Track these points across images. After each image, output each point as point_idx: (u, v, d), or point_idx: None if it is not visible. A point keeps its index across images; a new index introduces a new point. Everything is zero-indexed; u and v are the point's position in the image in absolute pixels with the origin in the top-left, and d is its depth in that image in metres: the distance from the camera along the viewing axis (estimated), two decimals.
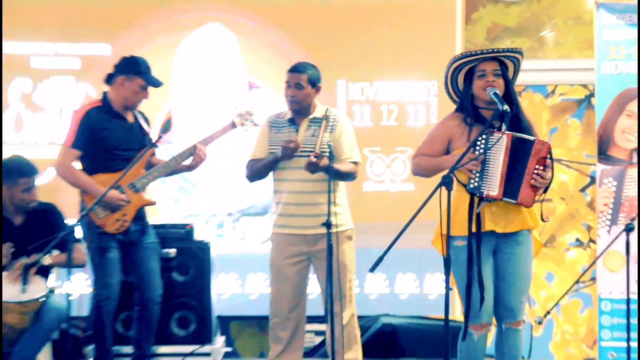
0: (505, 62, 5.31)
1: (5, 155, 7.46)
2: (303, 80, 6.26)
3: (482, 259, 5.18)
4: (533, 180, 5.13)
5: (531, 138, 5.18)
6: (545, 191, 5.23)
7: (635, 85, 7.26)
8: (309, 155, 6.07)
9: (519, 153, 5.15)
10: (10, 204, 6.13)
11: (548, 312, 6.29)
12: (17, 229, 6.12)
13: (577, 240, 8.03)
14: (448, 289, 4.86)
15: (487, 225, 5.18)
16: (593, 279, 7.66)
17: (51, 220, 6.18)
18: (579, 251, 8.02)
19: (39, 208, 6.20)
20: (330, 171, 6.05)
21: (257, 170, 6.33)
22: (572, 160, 7.96)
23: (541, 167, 5.14)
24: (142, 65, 6.40)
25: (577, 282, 6.95)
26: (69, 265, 5.67)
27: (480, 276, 5.16)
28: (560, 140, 8.01)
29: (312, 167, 6.05)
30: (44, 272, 6.09)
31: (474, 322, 5.22)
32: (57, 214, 6.27)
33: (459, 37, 7.76)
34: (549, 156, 5.18)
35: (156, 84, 6.44)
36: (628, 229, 6.03)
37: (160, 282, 6.51)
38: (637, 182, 7.10)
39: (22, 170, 6.13)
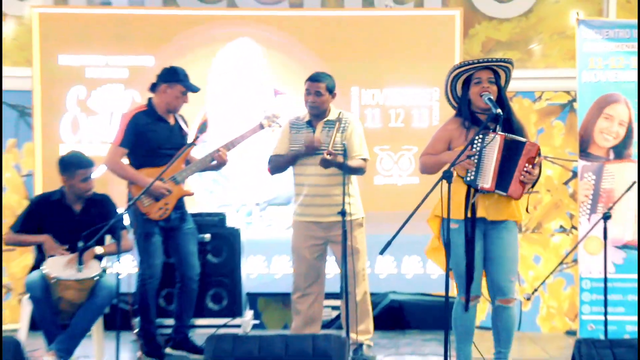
0: (498, 71, 5.29)
1: (63, 152, 7.57)
2: (322, 88, 6.28)
3: (468, 241, 5.20)
4: (522, 176, 5.13)
5: (523, 140, 5.18)
6: (533, 186, 5.23)
7: (611, 92, 7.25)
8: (323, 153, 6.08)
9: (512, 152, 5.16)
10: (70, 193, 6.14)
11: (535, 290, 6.27)
12: (76, 216, 6.13)
13: (561, 227, 8.01)
14: (448, 269, 4.89)
15: (479, 212, 5.21)
16: (575, 260, 7.64)
17: (105, 208, 6.19)
18: (563, 236, 8.00)
19: (95, 198, 6.21)
20: (344, 167, 6.06)
21: (279, 164, 6.37)
22: (556, 157, 7.93)
23: (530, 166, 5.13)
24: (181, 74, 6.40)
25: (560, 263, 6.93)
26: (119, 253, 5.69)
27: (472, 256, 5.15)
28: (546, 139, 7.98)
29: (325, 163, 6.08)
30: (98, 255, 6.08)
31: (464, 294, 5.23)
32: (110, 203, 6.28)
33: (457, 49, 7.75)
34: (537, 156, 5.16)
35: (194, 89, 6.43)
36: (605, 217, 6.03)
37: (197, 262, 6.53)
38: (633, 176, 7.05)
39: (80, 163, 6.13)
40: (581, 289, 7.29)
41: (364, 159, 6.38)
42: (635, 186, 6.48)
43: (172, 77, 6.38)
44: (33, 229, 6.11)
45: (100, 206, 6.19)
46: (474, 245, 5.18)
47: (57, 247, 6.00)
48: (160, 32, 7.84)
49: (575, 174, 7.79)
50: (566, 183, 8.00)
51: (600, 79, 7.29)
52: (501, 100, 5.24)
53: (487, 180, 5.16)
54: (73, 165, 6.11)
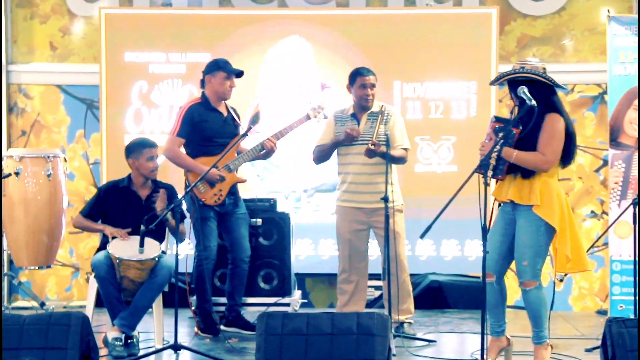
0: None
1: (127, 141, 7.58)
2: (374, 80, 6.26)
3: (496, 222, 5.18)
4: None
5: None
6: (500, 169, 5.06)
7: None
8: (367, 143, 6.05)
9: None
10: (137, 177, 6.09)
11: None
12: (142, 202, 6.08)
13: (592, 212, 7.85)
14: (485, 252, 4.77)
15: (501, 195, 5.15)
16: (606, 244, 7.48)
17: (169, 196, 6.11)
18: (594, 221, 7.85)
19: (161, 186, 6.16)
20: (387, 156, 6.00)
21: (322, 153, 6.36)
22: (588, 146, 7.81)
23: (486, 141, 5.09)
24: (220, 61, 6.39)
25: (592, 246, 6.75)
26: (176, 231, 5.65)
27: (485, 234, 5.03)
28: (578, 129, 7.67)
29: (370, 153, 6.04)
30: (159, 237, 6.03)
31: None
32: (174, 191, 6.21)
33: (494, 45, 7.58)
34: (492, 132, 5.06)
35: (234, 71, 6.38)
36: (635, 203, 5.90)
37: (248, 245, 6.50)
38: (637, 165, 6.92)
39: (145, 143, 6.12)
40: (611, 271, 7.16)
41: (405, 149, 6.32)
42: None
43: (213, 67, 6.36)
44: (100, 213, 6.11)
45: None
46: (484, 224, 5.04)
47: (117, 230, 5.96)
48: (216, 30, 7.78)
49: (605, 162, 7.65)
50: (597, 171, 7.83)
51: (630, 72, 7.13)
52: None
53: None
54: (139, 145, 6.09)
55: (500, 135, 4.99)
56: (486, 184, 4.88)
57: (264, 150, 6.32)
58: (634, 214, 5.86)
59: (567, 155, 5.19)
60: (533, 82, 5.08)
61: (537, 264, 5.10)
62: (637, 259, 5.76)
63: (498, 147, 4.99)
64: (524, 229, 5.09)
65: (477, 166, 4.78)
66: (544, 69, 5.15)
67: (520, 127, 5.03)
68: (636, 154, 7.08)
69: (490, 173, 5.00)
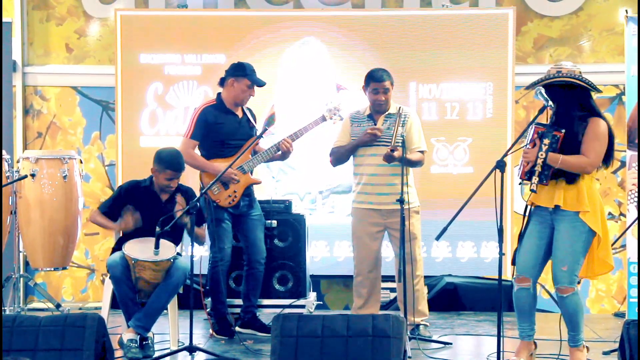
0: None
1: (145, 144, 7.64)
2: (388, 84, 6.24)
3: (530, 226, 5.13)
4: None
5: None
6: (543, 175, 4.98)
7: None
8: (384, 144, 6.05)
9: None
10: (156, 185, 6.07)
11: None
12: (162, 204, 6.06)
13: (610, 214, 7.81)
14: (501, 253, 4.75)
15: (539, 200, 5.09)
16: (623, 246, 7.43)
17: (188, 200, 6.09)
18: (611, 223, 7.79)
19: (181, 189, 6.13)
20: (403, 160, 5.98)
21: (340, 155, 6.34)
22: None
23: (529, 147, 5.01)
24: (248, 68, 6.34)
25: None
26: (192, 233, 5.66)
27: (520, 239, 5.12)
28: None
29: (389, 159, 6.02)
30: (175, 240, 6.03)
31: (515, 275, 5.16)
32: (194, 195, 6.16)
33: (510, 46, 7.57)
34: (537, 137, 4.97)
35: (260, 83, 6.36)
36: None
37: (264, 247, 6.50)
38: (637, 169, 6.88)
39: (172, 164, 5.99)
40: (629, 273, 7.11)
41: (422, 152, 6.30)
42: None
43: (239, 71, 6.32)
44: (118, 212, 6.09)
45: (185, 197, 6.12)
46: (525, 228, 5.12)
47: (126, 220, 5.97)
48: (232, 32, 7.79)
49: (623, 164, 7.61)
50: (615, 172, 7.80)
51: None
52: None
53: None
54: (165, 163, 5.99)
55: (546, 141, 4.94)
56: (533, 191, 4.92)
57: (280, 152, 6.31)
58: None
59: (609, 156, 5.17)
60: (570, 86, 5.04)
61: (575, 270, 5.07)
62: None
63: (543, 153, 4.95)
64: (565, 235, 5.05)
65: (493, 167, 4.75)
66: (580, 72, 5.09)
67: (563, 130, 4.98)
68: None
69: (535, 180, 4.97)
